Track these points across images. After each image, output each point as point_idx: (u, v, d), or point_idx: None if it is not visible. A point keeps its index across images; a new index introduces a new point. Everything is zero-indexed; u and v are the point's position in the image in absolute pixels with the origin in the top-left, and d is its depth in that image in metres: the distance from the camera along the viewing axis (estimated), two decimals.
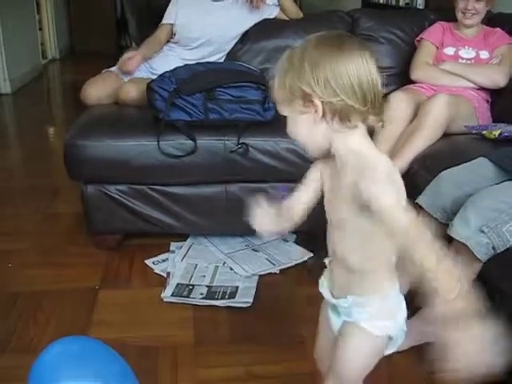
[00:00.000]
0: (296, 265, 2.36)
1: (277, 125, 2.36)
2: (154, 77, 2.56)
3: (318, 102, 1.01)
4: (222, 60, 2.97)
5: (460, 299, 0.98)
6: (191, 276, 2.29)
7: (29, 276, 2.31)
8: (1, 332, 1.95)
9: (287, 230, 1.25)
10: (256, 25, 3.01)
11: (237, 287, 2.21)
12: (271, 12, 3.07)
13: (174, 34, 2.94)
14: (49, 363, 1.27)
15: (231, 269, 2.35)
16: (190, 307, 2.10)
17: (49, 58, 7.82)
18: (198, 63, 2.62)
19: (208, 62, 2.69)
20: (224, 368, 1.80)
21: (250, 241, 2.59)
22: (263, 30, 3.00)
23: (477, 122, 2.46)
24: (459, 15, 2.71)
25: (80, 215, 2.57)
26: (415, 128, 2.32)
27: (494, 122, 2.53)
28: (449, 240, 1.67)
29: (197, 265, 2.38)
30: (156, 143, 2.31)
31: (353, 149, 1.06)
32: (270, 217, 1.24)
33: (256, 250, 2.51)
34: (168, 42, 2.96)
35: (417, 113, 2.39)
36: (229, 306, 2.10)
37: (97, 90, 2.74)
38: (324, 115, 1.02)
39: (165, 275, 2.30)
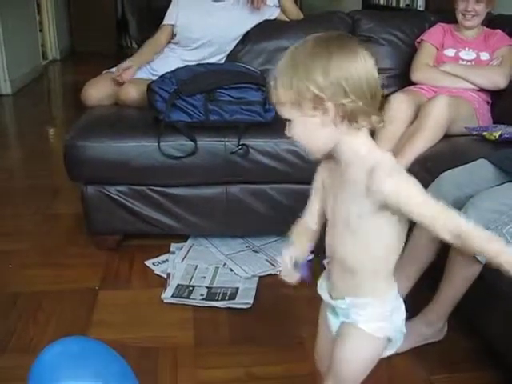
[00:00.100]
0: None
1: (277, 126, 2.33)
2: (155, 78, 2.56)
3: (329, 105, 1.00)
4: (222, 61, 2.97)
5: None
6: (191, 277, 2.29)
7: (29, 276, 2.31)
8: (1, 332, 1.94)
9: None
10: (257, 26, 3.01)
11: (237, 288, 2.21)
12: (272, 13, 3.07)
13: (175, 35, 2.94)
14: (48, 363, 1.27)
15: (231, 270, 2.35)
16: (190, 308, 2.10)
17: (49, 59, 7.83)
18: (198, 64, 2.62)
19: (208, 63, 2.69)
20: (224, 369, 1.80)
21: (250, 242, 2.59)
22: (264, 31, 3.00)
23: (477, 124, 2.46)
24: (459, 17, 2.71)
25: (80, 216, 2.57)
26: (416, 129, 2.32)
27: (494, 123, 2.54)
28: None
29: (197, 266, 2.38)
30: (156, 144, 2.31)
31: (358, 149, 1.06)
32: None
33: (256, 251, 2.51)
34: (169, 42, 2.97)
35: (417, 114, 2.39)
36: (229, 307, 2.10)
37: (97, 91, 2.74)
38: (333, 117, 1.01)
39: (165, 276, 2.30)
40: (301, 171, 2.35)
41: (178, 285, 2.23)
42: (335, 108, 1.00)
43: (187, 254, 2.47)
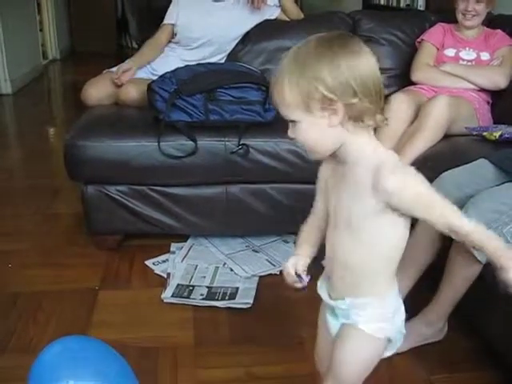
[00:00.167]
0: None
1: (277, 126, 2.36)
2: (155, 77, 2.56)
3: (339, 105, 0.99)
4: (222, 61, 2.97)
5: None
6: (191, 277, 2.29)
7: (29, 276, 2.31)
8: (1, 332, 1.94)
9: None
10: (257, 26, 3.01)
11: (237, 288, 2.21)
12: (272, 13, 3.07)
13: (175, 35, 2.94)
14: (49, 362, 1.27)
15: (231, 270, 2.35)
16: (190, 308, 2.10)
17: (49, 59, 7.83)
18: (198, 64, 2.62)
19: (209, 63, 2.69)
20: (224, 369, 1.79)
21: (250, 242, 2.59)
22: (264, 30, 3.00)
23: (477, 124, 2.46)
24: (459, 17, 2.71)
25: (80, 215, 2.57)
26: (416, 129, 2.32)
27: (494, 123, 2.53)
28: (449, 241, 1.67)
29: (197, 265, 2.38)
30: (156, 144, 2.31)
31: (364, 149, 1.05)
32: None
33: (256, 251, 2.51)
34: (169, 42, 2.96)
35: (417, 114, 2.39)
36: (229, 307, 2.10)
37: (97, 91, 2.74)
38: (342, 117, 1.01)
39: (165, 276, 2.30)
40: (301, 171, 2.35)
41: (178, 284, 2.23)
42: (344, 108, 1.00)
43: (187, 253, 2.47)
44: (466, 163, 1.94)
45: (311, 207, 1.25)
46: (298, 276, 1.22)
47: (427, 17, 3.10)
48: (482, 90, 2.62)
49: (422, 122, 2.31)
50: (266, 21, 3.04)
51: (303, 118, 1.03)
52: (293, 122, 1.05)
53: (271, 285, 2.24)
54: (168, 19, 2.94)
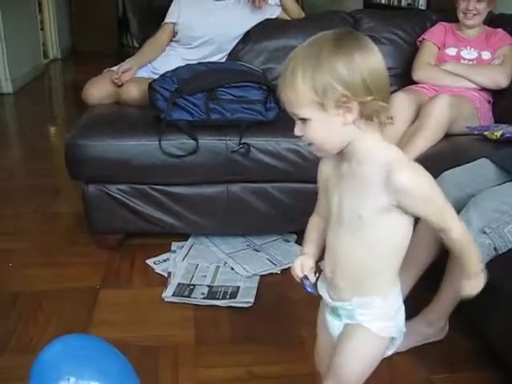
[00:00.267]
0: None
1: (278, 125, 2.37)
2: (156, 76, 2.56)
3: (355, 104, 0.99)
4: (223, 60, 2.97)
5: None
6: (192, 276, 2.29)
7: (29, 276, 2.31)
8: (1, 332, 1.94)
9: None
10: (258, 25, 3.00)
11: (238, 287, 2.21)
12: (273, 12, 3.06)
13: (176, 33, 2.94)
14: (50, 361, 1.27)
15: (232, 269, 2.35)
16: (190, 307, 2.10)
17: (50, 58, 7.84)
18: (199, 63, 2.62)
19: (209, 62, 2.69)
20: (224, 368, 1.79)
21: (251, 241, 2.59)
22: (265, 29, 3.00)
23: (479, 123, 2.46)
24: (460, 16, 2.71)
25: (81, 215, 2.57)
26: (417, 129, 2.32)
27: (495, 122, 2.53)
28: None
29: (198, 265, 2.38)
30: (157, 143, 2.30)
31: (373, 146, 1.05)
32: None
33: (257, 250, 2.51)
34: (170, 41, 2.96)
35: (418, 113, 2.39)
36: (230, 306, 2.10)
37: (98, 90, 2.74)
38: (356, 116, 1.00)
39: (166, 275, 2.30)
40: (302, 170, 2.35)
41: (179, 284, 2.22)
42: (359, 106, 0.99)
43: (188, 252, 2.47)
44: (467, 163, 1.94)
45: (312, 206, 1.25)
46: (305, 277, 1.21)
47: (428, 16, 3.10)
48: (483, 89, 2.62)
49: (422, 121, 2.31)
50: (267, 20, 3.03)
51: (316, 116, 1.01)
52: (303, 119, 1.03)
53: (272, 284, 2.24)
54: (169, 18, 2.94)
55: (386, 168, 1.01)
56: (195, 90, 2.36)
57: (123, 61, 2.84)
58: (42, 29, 7.41)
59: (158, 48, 2.94)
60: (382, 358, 1.19)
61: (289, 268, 2.40)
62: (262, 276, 2.30)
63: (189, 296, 2.15)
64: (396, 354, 1.22)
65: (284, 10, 3.10)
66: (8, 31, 5.66)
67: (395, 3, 4.69)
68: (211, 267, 2.36)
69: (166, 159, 2.33)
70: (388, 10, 4.35)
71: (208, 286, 2.22)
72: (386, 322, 1.14)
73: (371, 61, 1.00)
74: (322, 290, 1.21)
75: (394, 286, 1.16)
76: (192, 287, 2.21)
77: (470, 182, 1.85)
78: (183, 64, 2.61)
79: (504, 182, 1.81)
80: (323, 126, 1.02)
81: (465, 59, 2.69)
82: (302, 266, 1.22)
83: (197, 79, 2.40)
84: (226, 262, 2.40)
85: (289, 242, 2.58)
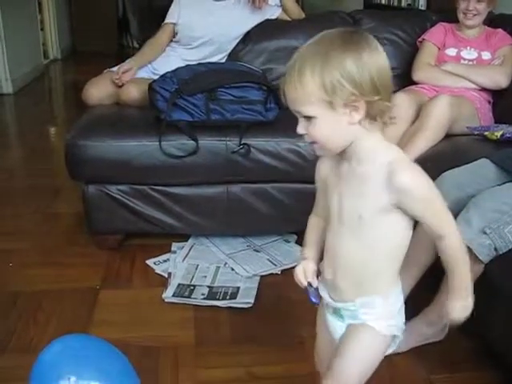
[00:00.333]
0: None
1: (278, 125, 2.36)
2: (156, 77, 2.56)
3: (362, 103, 0.98)
4: (223, 60, 2.97)
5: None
6: (192, 276, 2.29)
7: (29, 276, 2.30)
8: (1, 332, 1.94)
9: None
10: (258, 25, 3.00)
11: (238, 288, 2.21)
12: (273, 12, 3.06)
13: (176, 33, 2.94)
14: (50, 361, 1.27)
15: (232, 269, 2.35)
16: (191, 307, 2.10)
17: (50, 58, 7.84)
18: (199, 63, 2.62)
19: (209, 63, 2.69)
20: (224, 369, 1.79)
21: (251, 241, 2.59)
22: (265, 30, 3.00)
23: (479, 123, 2.46)
24: (460, 16, 2.71)
25: (81, 215, 2.57)
26: (417, 129, 2.32)
27: (496, 122, 2.53)
28: None
29: (198, 265, 2.38)
30: (157, 143, 2.30)
31: (375, 146, 1.05)
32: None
33: (257, 251, 2.51)
34: (170, 41, 2.96)
35: (419, 114, 2.39)
36: (230, 307, 2.09)
37: (98, 90, 2.74)
38: (363, 115, 1.00)
39: (166, 275, 2.30)
40: (302, 170, 2.35)
41: (179, 284, 2.22)
42: (366, 105, 0.99)
43: (188, 253, 2.47)
44: (468, 163, 1.94)
45: (312, 207, 1.25)
46: (309, 285, 1.20)
47: (428, 16, 3.10)
48: (484, 89, 2.62)
49: (423, 121, 2.31)
50: (267, 20, 3.03)
51: (323, 114, 1.01)
52: (307, 117, 1.03)
53: (272, 284, 2.24)
54: (169, 18, 2.94)
55: (387, 168, 1.01)
56: (195, 91, 2.36)
57: (123, 61, 2.84)
58: (42, 29, 7.41)
59: (158, 48, 2.94)
60: (384, 356, 1.19)
61: (289, 268, 2.42)
62: (262, 276, 2.30)
63: (189, 296, 2.15)
64: (396, 354, 1.22)
65: (284, 10, 3.10)
66: (8, 31, 5.66)
67: (395, 3, 4.69)
68: (211, 268, 2.36)
69: (166, 160, 2.33)
70: (388, 11, 4.35)
71: (208, 286, 2.22)
72: (389, 320, 1.14)
73: (379, 59, 1.00)
74: (323, 292, 1.21)
75: (394, 285, 1.16)
76: (192, 288, 2.21)
77: (470, 182, 1.85)
78: (183, 64, 2.61)
79: (504, 183, 1.81)
80: (329, 125, 1.02)
81: (465, 59, 2.69)
82: (305, 271, 1.21)
83: (197, 80, 2.40)
84: (226, 263, 2.40)
85: (289, 242, 2.58)
